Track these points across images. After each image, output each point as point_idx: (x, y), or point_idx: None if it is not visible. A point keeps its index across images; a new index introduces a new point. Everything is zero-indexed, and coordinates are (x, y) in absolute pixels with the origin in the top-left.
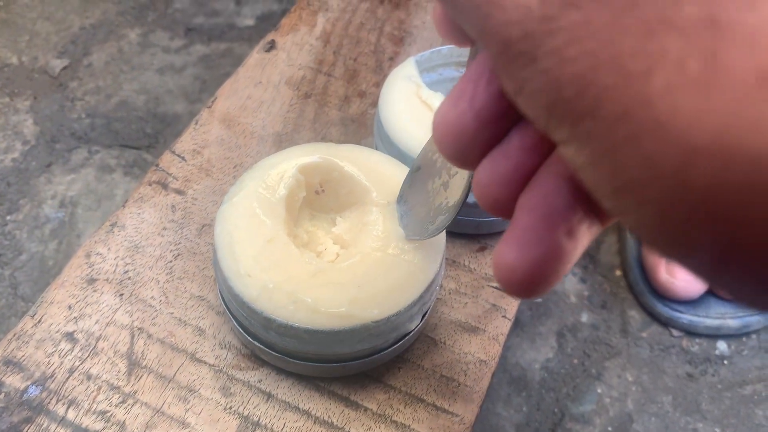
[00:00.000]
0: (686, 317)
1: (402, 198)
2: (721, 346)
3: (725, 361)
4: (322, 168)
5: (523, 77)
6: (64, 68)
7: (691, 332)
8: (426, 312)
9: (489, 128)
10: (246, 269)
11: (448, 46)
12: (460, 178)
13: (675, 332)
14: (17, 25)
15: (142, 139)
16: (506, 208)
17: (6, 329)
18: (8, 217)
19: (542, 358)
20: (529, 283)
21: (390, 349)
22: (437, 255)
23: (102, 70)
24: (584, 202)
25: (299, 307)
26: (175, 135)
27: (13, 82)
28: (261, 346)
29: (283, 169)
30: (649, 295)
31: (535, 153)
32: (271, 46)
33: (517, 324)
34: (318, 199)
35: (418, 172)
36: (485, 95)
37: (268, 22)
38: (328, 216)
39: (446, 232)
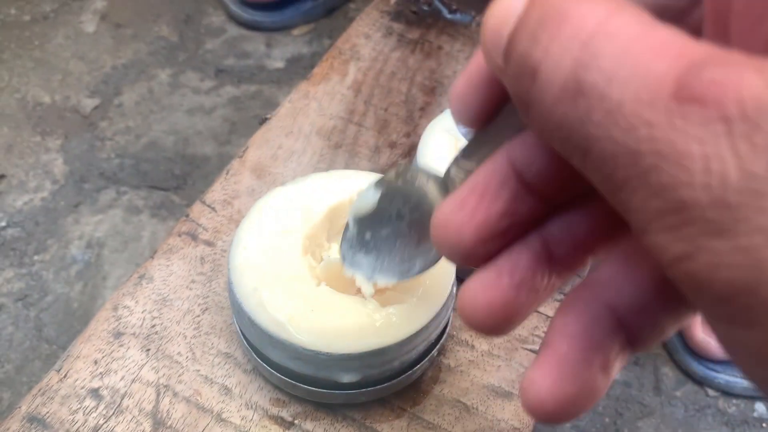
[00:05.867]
0: (723, 377)
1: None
2: (760, 407)
3: (764, 424)
4: None
5: (706, 247)
6: (95, 108)
7: (728, 392)
8: (381, 375)
9: (486, 245)
10: (246, 245)
11: None
12: None
13: (711, 392)
14: (51, 65)
15: (170, 180)
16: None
17: (30, 373)
18: (35, 257)
19: None
20: (554, 414)
21: (371, 389)
22: (416, 321)
23: (132, 110)
24: (624, 331)
25: (259, 295)
26: (203, 177)
27: (45, 121)
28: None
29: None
30: (684, 352)
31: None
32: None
33: None
34: None
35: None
36: (486, 213)
37: (298, 64)
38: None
39: None
